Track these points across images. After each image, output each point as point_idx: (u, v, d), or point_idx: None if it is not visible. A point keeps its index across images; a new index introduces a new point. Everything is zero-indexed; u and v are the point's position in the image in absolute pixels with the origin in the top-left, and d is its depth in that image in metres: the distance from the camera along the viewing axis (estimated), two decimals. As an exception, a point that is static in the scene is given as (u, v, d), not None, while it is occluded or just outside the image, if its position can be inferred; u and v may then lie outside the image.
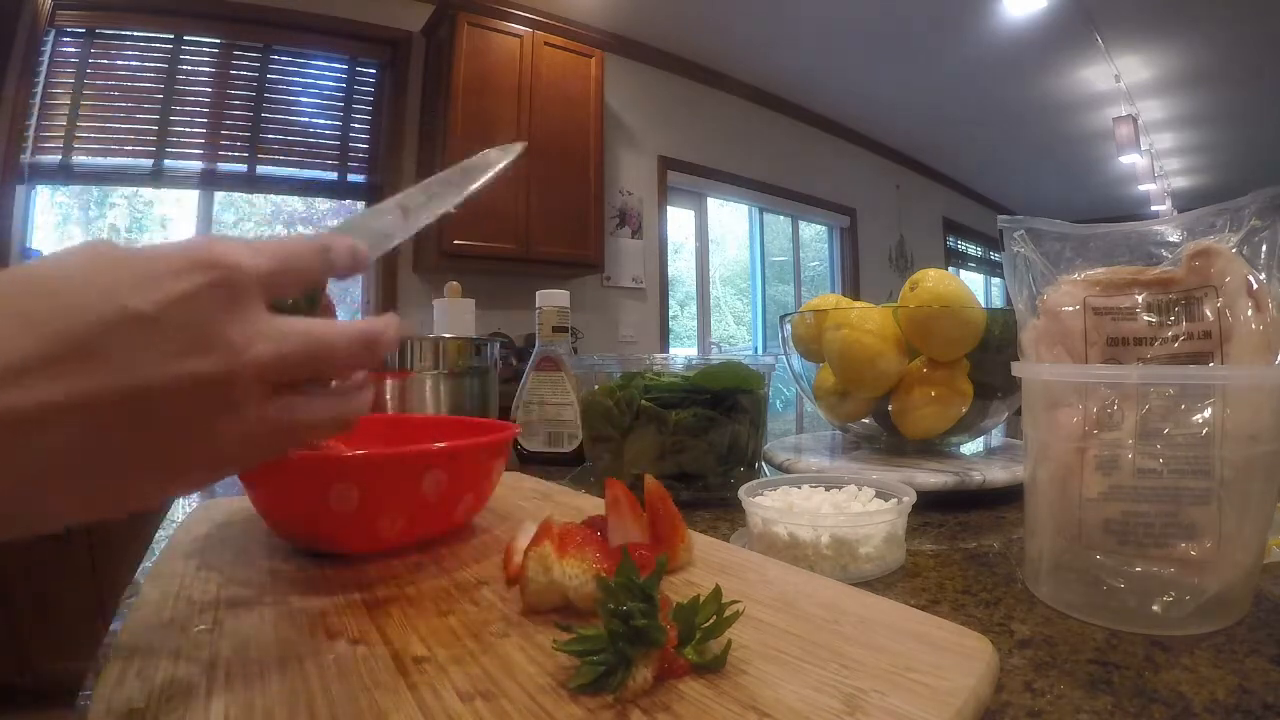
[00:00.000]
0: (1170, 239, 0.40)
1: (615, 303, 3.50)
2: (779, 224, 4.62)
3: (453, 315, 1.13)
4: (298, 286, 0.27)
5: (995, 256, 6.70)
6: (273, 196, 2.79)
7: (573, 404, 0.82)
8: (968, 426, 0.69)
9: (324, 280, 0.29)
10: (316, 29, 2.71)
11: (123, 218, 2.57)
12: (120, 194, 2.53)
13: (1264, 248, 0.36)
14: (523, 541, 0.35)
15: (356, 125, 2.86)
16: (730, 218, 4.39)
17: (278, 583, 0.36)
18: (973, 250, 6.54)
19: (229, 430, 0.23)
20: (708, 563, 0.39)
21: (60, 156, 2.29)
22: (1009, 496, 0.60)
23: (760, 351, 4.30)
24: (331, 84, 2.82)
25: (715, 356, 0.82)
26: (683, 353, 3.93)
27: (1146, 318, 0.38)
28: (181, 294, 0.21)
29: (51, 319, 0.19)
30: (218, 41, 2.58)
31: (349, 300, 2.95)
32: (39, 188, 2.32)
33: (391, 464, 0.40)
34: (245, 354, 0.23)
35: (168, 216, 2.61)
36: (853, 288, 4.84)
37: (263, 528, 0.45)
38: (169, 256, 0.22)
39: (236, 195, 2.70)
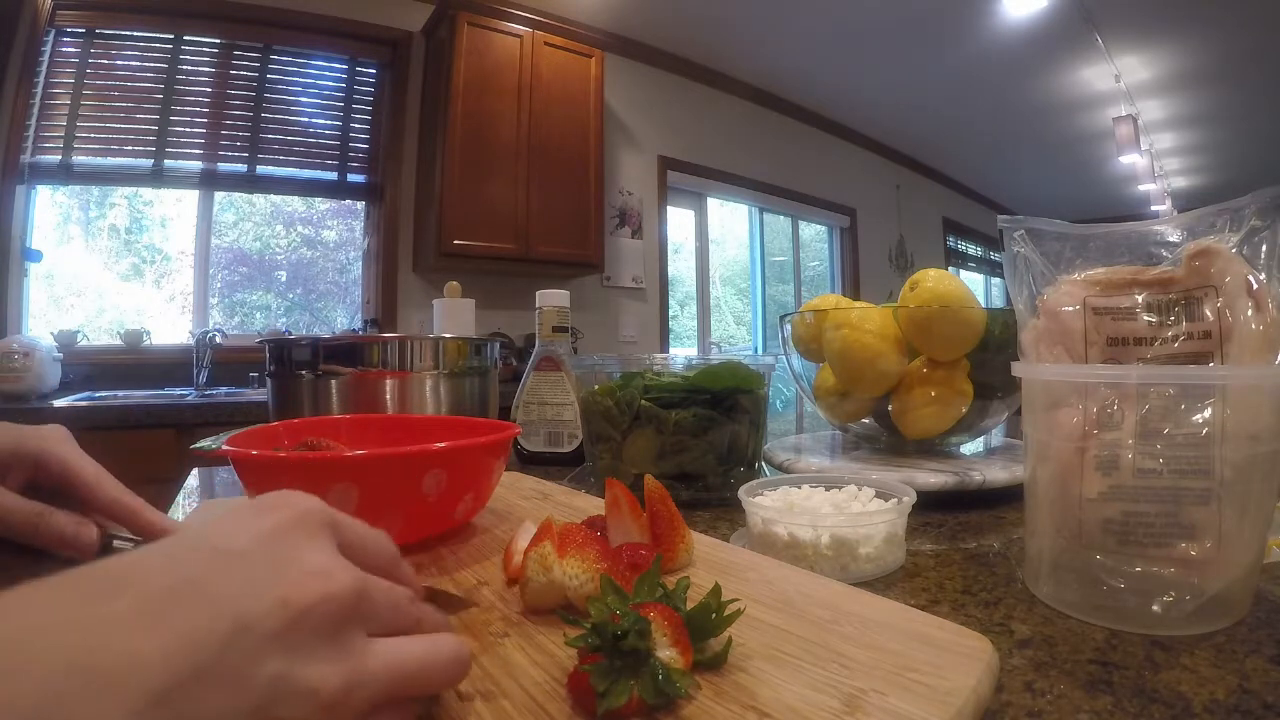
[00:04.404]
0: (1170, 239, 0.40)
1: (615, 303, 3.50)
2: (779, 224, 4.61)
3: (453, 315, 1.13)
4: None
5: (995, 256, 6.70)
6: (273, 196, 2.79)
7: (573, 404, 0.82)
8: (968, 426, 0.69)
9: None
10: (316, 29, 2.71)
11: (123, 218, 2.57)
12: (120, 194, 2.53)
13: (1264, 248, 0.36)
14: (523, 541, 0.35)
15: (356, 125, 2.86)
16: (730, 218, 4.39)
17: (278, 583, 0.36)
18: (973, 250, 6.54)
19: None
20: (708, 563, 0.39)
21: (60, 156, 2.29)
22: (1009, 496, 0.60)
23: (760, 351, 4.30)
24: (331, 84, 2.82)
25: (715, 356, 0.82)
26: (683, 353, 3.93)
27: (1146, 318, 0.38)
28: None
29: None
30: (218, 41, 2.58)
31: (349, 301, 2.94)
32: (39, 188, 2.33)
33: (391, 464, 0.40)
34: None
35: (168, 216, 2.61)
36: (853, 288, 4.84)
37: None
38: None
39: (237, 195, 2.71)
